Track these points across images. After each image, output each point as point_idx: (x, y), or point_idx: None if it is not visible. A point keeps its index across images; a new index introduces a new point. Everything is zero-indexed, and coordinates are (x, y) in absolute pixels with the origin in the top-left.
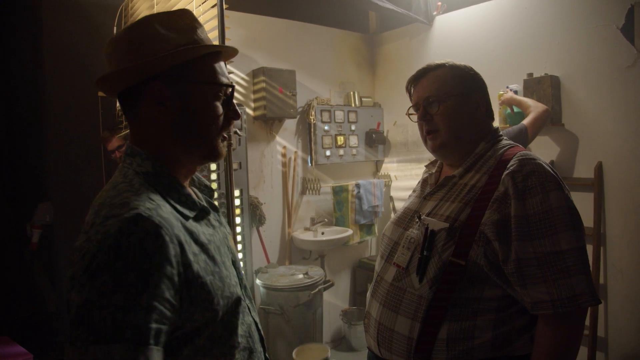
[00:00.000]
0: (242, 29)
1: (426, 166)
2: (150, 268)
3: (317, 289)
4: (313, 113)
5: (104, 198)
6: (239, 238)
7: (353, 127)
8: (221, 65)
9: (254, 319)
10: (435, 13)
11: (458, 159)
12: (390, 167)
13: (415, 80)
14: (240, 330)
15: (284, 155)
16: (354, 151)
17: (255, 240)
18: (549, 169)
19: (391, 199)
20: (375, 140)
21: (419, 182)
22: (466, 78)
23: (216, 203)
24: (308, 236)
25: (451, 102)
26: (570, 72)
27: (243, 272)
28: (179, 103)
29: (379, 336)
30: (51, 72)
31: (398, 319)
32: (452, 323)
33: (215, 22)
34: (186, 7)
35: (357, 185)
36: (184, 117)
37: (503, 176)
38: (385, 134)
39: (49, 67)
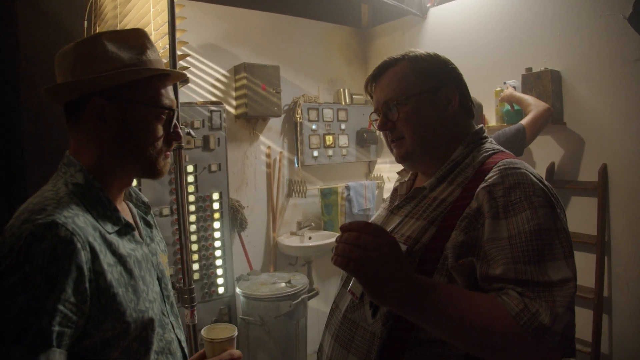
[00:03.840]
0: (223, 23)
1: (398, 173)
2: (59, 272)
3: (299, 299)
4: (299, 111)
5: (28, 203)
6: (217, 244)
7: (343, 126)
8: (167, 87)
9: (177, 336)
10: (429, 5)
11: (430, 167)
12: (383, 168)
13: (374, 79)
14: (156, 346)
15: (268, 155)
16: (344, 151)
17: (236, 245)
18: (538, 182)
19: (383, 201)
20: (366, 140)
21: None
22: (430, 70)
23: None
24: (294, 241)
25: (412, 104)
26: (573, 67)
27: (171, 289)
28: (119, 120)
29: None
30: (27, 72)
31: (349, 358)
32: None
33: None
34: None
35: (347, 187)
36: (122, 134)
37: (478, 190)
38: (377, 133)
39: (24, 67)
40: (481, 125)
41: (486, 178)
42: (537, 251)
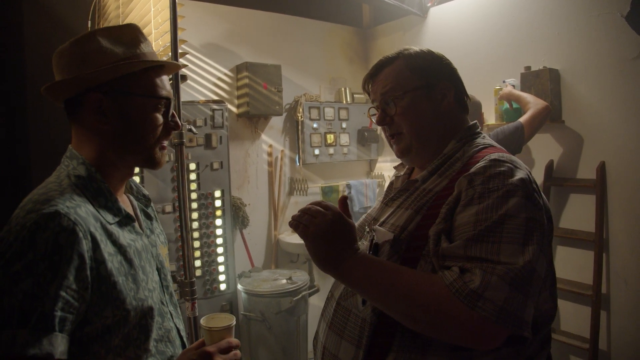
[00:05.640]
0: (225, 23)
1: (395, 168)
2: (61, 260)
3: (300, 295)
4: (301, 110)
5: (33, 194)
6: (219, 241)
7: (344, 125)
8: (162, 78)
9: (176, 325)
10: (429, 5)
11: (428, 161)
12: (384, 166)
13: (371, 78)
14: (156, 334)
15: (270, 154)
16: (345, 150)
17: (238, 243)
18: (522, 174)
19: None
20: (367, 138)
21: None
22: (426, 67)
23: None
24: (295, 239)
25: (409, 98)
26: (571, 65)
27: (171, 279)
28: (117, 113)
29: None
30: (32, 72)
31: (342, 344)
32: (399, 354)
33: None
34: None
35: (348, 186)
36: (122, 126)
37: (460, 178)
38: (378, 131)
39: (30, 67)
40: (475, 120)
41: (471, 169)
42: (496, 232)
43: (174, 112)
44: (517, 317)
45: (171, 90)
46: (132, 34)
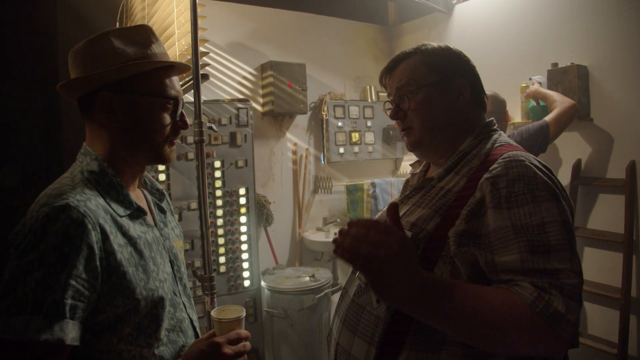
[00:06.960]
0: (250, 22)
1: (411, 165)
2: (71, 250)
3: (323, 293)
4: (325, 108)
5: (47, 189)
6: (244, 238)
7: (369, 123)
8: (172, 78)
9: (189, 316)
10: (454, 2)
11: (440, 157)
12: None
13: (388, 72)
14: (167, 324)
15: (294, 152)
16: (370, 148)
17: (263, 240)
18: (543, 175)
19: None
20: (392, 137)
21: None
22: (442, 63)
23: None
24: (319, 237)
25: (423, 94)
26: (600, 61)
27: (185, 271)
28: (127, 111)
29: (336, 359)
30: (65, 73)
31: (355, 341)
32: (412, 353)
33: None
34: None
35: (373, 184)
36: (131, 124)
37: (481, 180)
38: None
39: (63, 69)
40: (492, 118)
41: (490, 169)
42: (543, 243)
43: (183, 112)
44: (577, 331)
45: (180, 91)
46: (144, 35)
